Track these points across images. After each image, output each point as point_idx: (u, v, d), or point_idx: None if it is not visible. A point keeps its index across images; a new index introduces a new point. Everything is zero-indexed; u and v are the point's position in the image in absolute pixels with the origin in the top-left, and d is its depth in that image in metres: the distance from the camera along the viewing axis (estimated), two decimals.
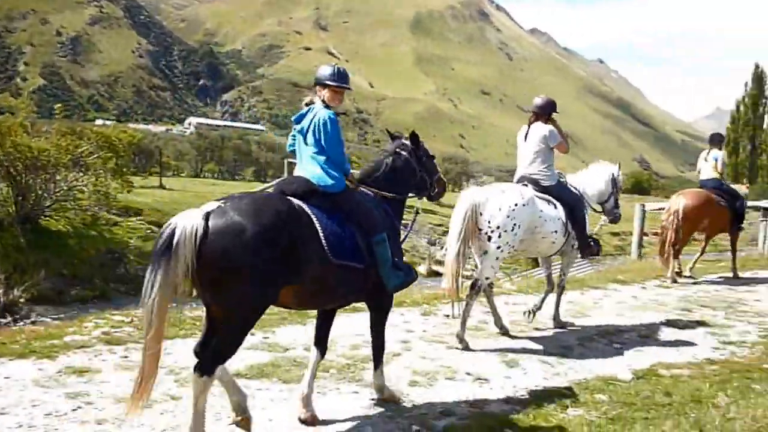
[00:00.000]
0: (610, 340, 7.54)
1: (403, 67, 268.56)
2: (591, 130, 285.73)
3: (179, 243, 3.80)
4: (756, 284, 12.08)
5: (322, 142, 4.83)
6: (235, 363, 5.54)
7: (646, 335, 7.83)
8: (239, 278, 3.93)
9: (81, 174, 18.03)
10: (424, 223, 25.11)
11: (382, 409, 4.95)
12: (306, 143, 4.93)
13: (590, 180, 8.65)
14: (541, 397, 5.48)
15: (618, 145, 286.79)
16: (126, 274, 16.93)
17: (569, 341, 7.35)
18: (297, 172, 5.00)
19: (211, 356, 3.99)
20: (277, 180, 5.46)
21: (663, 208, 18.00)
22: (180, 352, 5.81)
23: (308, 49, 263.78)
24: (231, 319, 4.06)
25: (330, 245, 4.47)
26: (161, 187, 29.43)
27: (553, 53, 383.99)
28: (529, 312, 8.16)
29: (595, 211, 8.76)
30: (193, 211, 3.97)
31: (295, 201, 4.50)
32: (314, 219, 4.48)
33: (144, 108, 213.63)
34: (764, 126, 50.85)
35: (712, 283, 12.06)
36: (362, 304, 5.31)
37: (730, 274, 12.70)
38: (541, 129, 7.75)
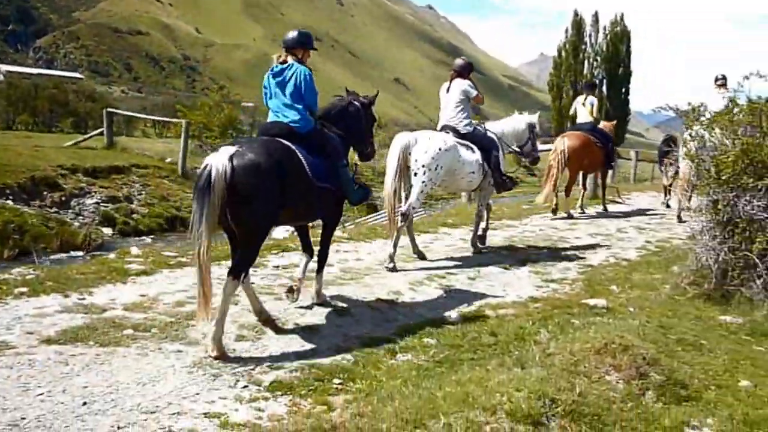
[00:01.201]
0: (439, 283, 7.72)
1: (231, 12, 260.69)
2: (422, 76, 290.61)
3: (215, 179, 5.04)
4: (578, 222, 12.78)
5: (302, 91, 6.12)
6: (45, 329, 5.27)
7: (473, 277, 8.09)
8: (257, 202, 5.26)
9: None
10: None
11: (207, 367, 4.79)
12: (284, 94, 6.16)
13: (508, 126, 10.26)
14: (371, 344, 5.53)
15: None
16: None
17: (400, 286, 7.44)
18: (272, 118, 6.26)
19: (236, 267, 5.36)
20: (260, 127, 6.75)
21: None
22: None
23: None
24: (249, 236, 5.44)
25: (313, 173, 5.87)
26: None
27: None
28: (473, 242, 9.65)
29: (514, 152, 10.41)
30: (219, 154, 5.22)
31: (284, 141, 5.82)
32: (299, 155, 5.83)
33: None
34: (584, 71, 53.59)
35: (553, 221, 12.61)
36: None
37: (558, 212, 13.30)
38: (461, 84, 9.27)
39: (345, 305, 6.58)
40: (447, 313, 6.45)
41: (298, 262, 7.63)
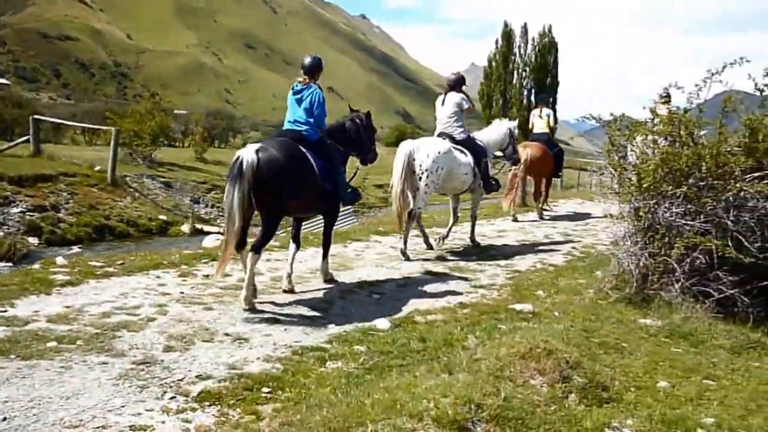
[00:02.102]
0: (370, 291, 7.73)
1: (163, 18, 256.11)
2: (356, 84, 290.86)
3: (245, 169, 6.43)
4: (507, 230, 12.97)
5: (314, 109, 7.45)
6: None
7: (404, 284, 8.13)
8: (275, 191, 6.67)
9: None
10: (186, 180, 24.29)
11: (133, 379, 4.69)
12: (300, 108, 7.50)
13: (492, 134, 11.52)
14: (301, 353, 5.49)
15: (382, 99, 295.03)
16: None
17: (331, 295, 7.44)
18: (287, 126, 7.57)
19: (258, 242, 6.77)
20: (275, 132, 8.17)
21: None
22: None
23: None
24: (268, 218, 6.90)
25: (319, 173, 7.21)
26: None
27: (317, 7, 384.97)
28: (440, 239, 10.71)
29: (496, 157, 11.74)
30: (248, 149, 6.66)
31: (297, 144, 7.19)
32: (309, 156, 7.17)
33: None
34: (513, 81, 54.45)
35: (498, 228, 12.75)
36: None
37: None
38: (455, 97, 10.49)
39: (276, 314, 6.54)
40: (377, 321, 6.44)
41: (228, 272, 7.78)
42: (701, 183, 7.45)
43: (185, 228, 19.86)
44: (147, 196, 21.57)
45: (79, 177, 19.61)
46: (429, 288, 8.02)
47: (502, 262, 9.76)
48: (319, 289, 7.64)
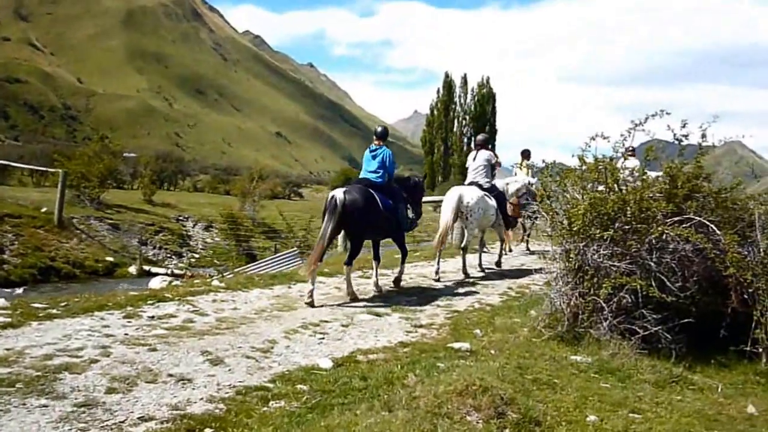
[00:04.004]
0: (314, 331, 7.68)
1: (114, 62, 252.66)
2: (304, 129, 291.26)
3: (337, 204, 9.17)
4: (447, 270, 13.06)
5: (386, 164, 10.22)
6: None
7: (347, 324, 8.11)
8: (358, 221, 9.37)
9: None
10: (134, 222, 23.94)
11: (74, 422, 4.58)
12: (374, 161, 10.24)
13: (512, 184, 15.09)
14: (245, 393, 5.43)
15: (328, 144, 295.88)
16: None
17: (275, 335, 7.37)
18: (363, 175, 10.32)
19: (349, 256, 9.58)
20: (354, 180, 10.66)
21: None
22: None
23: (7, 39, 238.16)
24: (355, 239, 9.69)
25: (384, 207, 9.78)
26: None
27: (266, 55, 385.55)
28: (480, 267, 13.07)
29: (511, 203, 14.43)
30: (338, 191, 9.42)
31: (369, 188, 9.78)
32: (377, 197, 9.72)
33: None
34: (454, 129, 55.31)
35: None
36: None
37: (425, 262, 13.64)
38: (484, 154, 13.02)
39: (220, 354, 6.46)
40: (320, 360, 6.42)
41: (173, 313, 7.74)
42: (626, 227, 7.69)
43: (132, 269, 19.54)
44: (94, 238, 21.20)
45: (25, 218, 19.20)
46: (371, 328, 8.03)
47: (442, 302, 9.83)
48: (263, 330, 7.57)
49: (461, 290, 10.96)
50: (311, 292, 8.99)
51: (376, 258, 10.51)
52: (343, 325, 8.06)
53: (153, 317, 7.78)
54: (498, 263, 13.80)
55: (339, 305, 9.22)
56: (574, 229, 7.77)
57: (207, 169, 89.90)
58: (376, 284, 10.31)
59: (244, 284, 10.27)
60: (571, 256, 7.73)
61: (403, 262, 10.95)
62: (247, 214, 31.54)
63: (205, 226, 27.84)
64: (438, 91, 56.62)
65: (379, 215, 9.67)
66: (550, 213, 8.38)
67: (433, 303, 9.76)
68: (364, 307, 9.18)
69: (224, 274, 14.68)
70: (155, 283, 12.03)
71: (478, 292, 10.83)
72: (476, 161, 12.99)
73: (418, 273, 12.48)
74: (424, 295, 10.31)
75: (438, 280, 11.68)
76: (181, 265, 22.76)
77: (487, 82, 56.93)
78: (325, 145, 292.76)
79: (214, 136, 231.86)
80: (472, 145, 14.29)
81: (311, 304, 8.90)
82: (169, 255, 23.77)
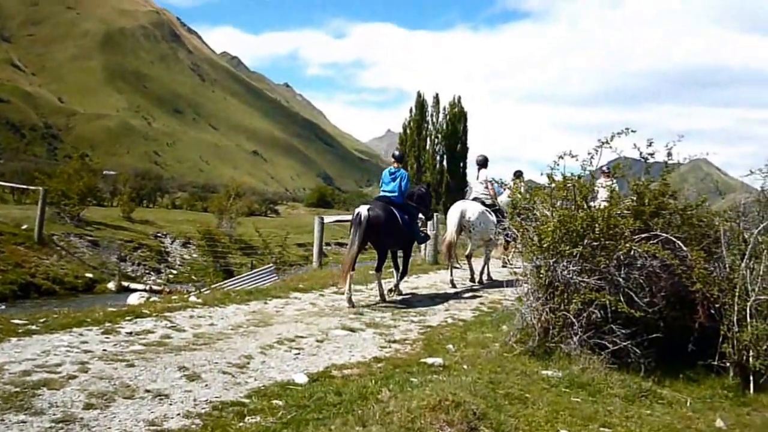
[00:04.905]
0: (289, 346, 7.56)
1: (94, 82, 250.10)
2: (279, 147, 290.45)
3: (362, 219, 10.20)
4: (419, 286, 13.01)
5: (402, 184, 11.31)
6: None
7: (322, 340, 8.00)
8: (381, 234, 10.51)
9: None
10: (113, 239, 23.63)
11: None
12: (392, 183, 11.30)
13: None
14: (221, 408, 5.30)
15: (304, 162, 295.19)
16: None
17: (251, 350, 7.24)
18: (381, 193, 11.33)
19: (377, 264, 10.85)
20: (374, 198, 11.63)
21: (341, 221, 19.00)
22: None
23: None
24: (380, 250, 10.88)
25: (402, 223, 10.90)
26: None
27: (243, 76, 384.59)
28: (480, 279, 13.80)
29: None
30: (363, 208, 10.50)
31: (388, 205, 10.89)
32: (396, 212, 10.84)
33: None
34: (427, 147, 55.39)
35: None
36: None
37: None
38: (485, 173, 13.84)
39: (196, 370, 6.33)
40: (296, 375, 6.31)
41: (151, 329, 7.65)
42: (595, 243, 7.69)
43: (111, 285, 19.27)
44: (74, 254, 20.92)
45: (5, 235, 18.91)
46: (346, 343, 7.92)
47: (415, 318, 9.76)
48: (239, 346, 7.45)
49: (434, 306, 10.90)
50: (350, 297, 10.23)
51: (396, 266, 11.79)
52: (318, 341, 7.95)
53: (131, 333, 7.63)
54: (480, 280, 13.83)
55: (313, 321, 9.11)
56: (544, 245, 7.76)
57: (185, 186, 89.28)
58: (397, 287, 11.69)
59: (221, 300, 10.12)
60: (542, 272, 7.71)
61: (401, 278, 11.88)
62: (225, 230, 31.33)
63: (183, 243, 27.58)
64: (411, 111, 56.68)
65: (399, 228, 10.84)
66: (521, 230, 8.37)
67: (407, 318, 9.68)
68: (339, 322, 9.07)
69: (201, 290, 14.48)
70: (133, 299, 11.86)
71: (450, 308, 10.77)
72: (479, 179, 13.90)
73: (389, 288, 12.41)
74: (397, 311, 10.23)
75: (454, 286, 12.90)
76: (159, 281, 22.52)
77: (459, 101, 57.03)
78: (301, 163, 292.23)
79: (192, 154, 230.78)
80: (475, 165, 14.54)
81: (351, 305, 10.14)
82: (147, 271, 23.51)
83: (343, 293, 10.60)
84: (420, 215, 12.46)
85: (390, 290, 11.51)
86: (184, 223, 31.57)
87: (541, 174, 8.48)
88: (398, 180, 11.29)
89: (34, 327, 7.53)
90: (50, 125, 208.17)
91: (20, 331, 7.30)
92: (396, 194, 11.23)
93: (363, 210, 10.38)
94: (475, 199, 13.61)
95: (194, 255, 27.00)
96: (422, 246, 17.02)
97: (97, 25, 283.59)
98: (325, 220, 17.77)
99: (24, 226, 20.56)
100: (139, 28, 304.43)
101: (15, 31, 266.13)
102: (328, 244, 20.51)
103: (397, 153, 12.21)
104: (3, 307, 14.57)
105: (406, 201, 11.50)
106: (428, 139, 56.01)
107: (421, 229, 12.22)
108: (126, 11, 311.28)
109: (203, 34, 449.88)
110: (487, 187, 13.63)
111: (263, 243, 27.15)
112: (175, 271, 24.71)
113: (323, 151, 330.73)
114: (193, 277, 23.72)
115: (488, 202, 13.48)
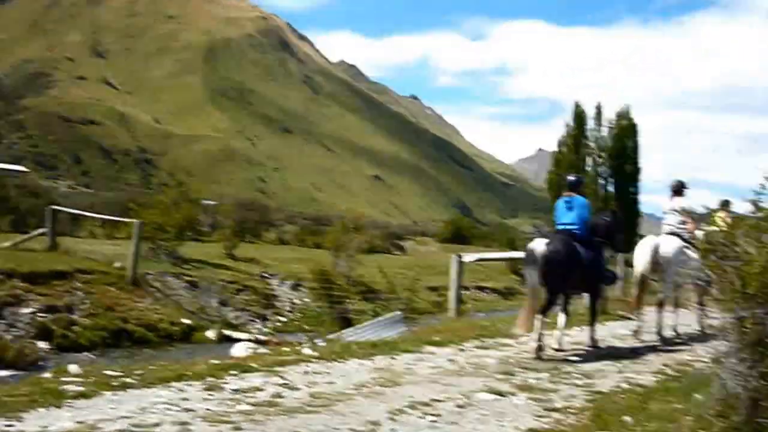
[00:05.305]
0: (424, 412, 7.46)
1: (194, 100, 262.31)
2: (406, 171, 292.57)
3: (538, 256, 10.48)
4: (583, 341, 12.64)
5: (583, 213, 11.46)
6: None
7: (463, 405, 7.86)
8: (557, 272, 10.50)
9: None
10: (214, 279, 24.42)
11: None
12: (570, 212, 11.44)
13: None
14: None
15: (434, 188, 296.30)
16: None
17: (378, 415, 7.20)
18: (560, 227, 11.49)
19: (542, 309, 10.65)
20: (552, 231, 11.86)
21: (485, 259, 18.98)
22: None
23: (82, 78, 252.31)
24: (552, 291, 10.72)
25: (585, 259, 10.96)
26: None
27: (363, 87, 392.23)
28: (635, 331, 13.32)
29: None
30: (538, 243, 10.66)
31: (570, 239, 10.97)
32: (578, 248, 10.92)
33: None
34: (587, 168, 54.37)
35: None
36: None
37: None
38: (682, 201, 13.75)
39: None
40: None
41: (260, 386, 7.89)
42: None
43: (211, 334, 19.84)
44: (170, 297, 21.72)
45: (96, 274, 19.89)
46: (493, 410, 7.74)
47: (580, 381, 9.44)
48: (363, 409, 7.43)
49: (604, 366, 10.53)
50: (539, 346, 10.52)
51: (566, 312, 11.41)
52: (458, 406, 7.82)
53: (237, 390, 7.81)
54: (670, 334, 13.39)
55: (453, 383, 8.99)
56: (750, 291, 7.31)
57: (294, 218, 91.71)
58: (593, 338, 11.93)
59: (340, 354, 10.21)
60: (747, 325, 7.26)
61: (593, 325, 11.97)
62: (341, 271, 31.70)
63: (293, 285, 28.05)
64: (566, 125, 55.78)
65: (581, 267, 10.89)
66: (718, 271, 7.94)
67: (569, 381, 9.38)
68: (483, 384, 8.91)
69: (316, 341, 14.68)
70: (238, 351, 12.13)
71: (625, 369, 10.36)
72: (672, 206, 13.92)
73: (548, 343, 12.10)
74: (557, 371, 9.95)
75: (639, 339, 12.88)
76: (265, 329, 22.99)
77: (627, 112, 55.64)
78: (431, 190, 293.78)
79: (302, 181, 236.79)
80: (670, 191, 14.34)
81: (540, 356, 10.50)
82: (252, 318, 24.04)
83: (517, 342, 11.01)
84: (606, 251, 12.37)
85: (557, 339, 11.38)
86: (293, 261, 32.23)
87: (743, 200, 8.03)
88: (577, 209, 11.39)
89: (129, 380, 7.86)
90: (144, 149, 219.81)
91: (115, 384, 7.64)
92: (578, 227, 11.31)
93: (538, 246, 10.51)
94: (671, 233, 13.50)
95: (306, 299, 27.39)
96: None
97: (199, 37, 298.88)
98: (465, 259, 17.57)
99: (117, 264, 21.57)
100: (245, 38, 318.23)
101: (110, 46, 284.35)
102: (466, 288, 20.22)
103: (572, 179, 12.19)
104: (93, 356, 15.29)
105: (591, 235, 11.53)
106: (589, 158, 55.00)
107: (607, 268, 12.08)
108: (232, 19, 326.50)
109: (317, 40, 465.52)
110: (683, 220, 13.52)
111: (388, 286, 27.26)
112: (284, 318, 25.14)
113: (458, 175, 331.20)
114: (305, 325, 24.04)
115: (686, 236, 13.29)
